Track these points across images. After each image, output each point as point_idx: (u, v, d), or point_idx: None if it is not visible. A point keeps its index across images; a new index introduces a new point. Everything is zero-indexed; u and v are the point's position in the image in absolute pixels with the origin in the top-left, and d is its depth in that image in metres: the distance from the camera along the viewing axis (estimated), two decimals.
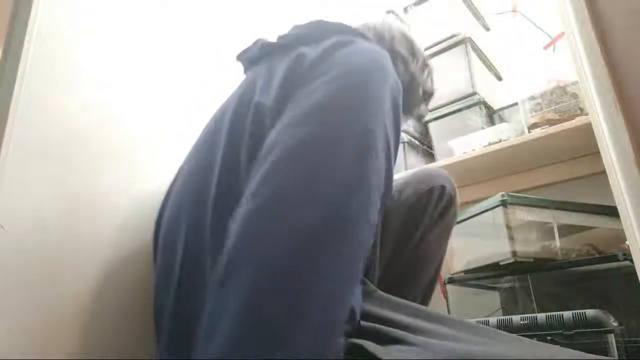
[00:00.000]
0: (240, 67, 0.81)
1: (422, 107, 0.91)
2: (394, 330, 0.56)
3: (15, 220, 0.59)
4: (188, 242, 0.57)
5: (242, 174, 0.54)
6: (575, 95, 1.22)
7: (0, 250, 0.57)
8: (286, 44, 0.68)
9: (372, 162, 0.49)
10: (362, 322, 0.57)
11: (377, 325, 0.57)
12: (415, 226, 0.84)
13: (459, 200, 0.88)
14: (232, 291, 0.41)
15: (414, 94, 0.83)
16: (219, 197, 0.56)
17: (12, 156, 0.60)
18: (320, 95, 0.53)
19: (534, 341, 0.56)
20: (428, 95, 0.86)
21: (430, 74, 0.88)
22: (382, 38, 0.85)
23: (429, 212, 0.83)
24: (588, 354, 0.51)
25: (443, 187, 0.84)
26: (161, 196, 0.82)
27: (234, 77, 1.09)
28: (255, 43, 0.74)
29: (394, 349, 0.51)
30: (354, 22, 0.88)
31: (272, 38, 0.73)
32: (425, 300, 0.89)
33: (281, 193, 0.45)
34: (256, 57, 0.72)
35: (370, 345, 0.51)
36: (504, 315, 1.20)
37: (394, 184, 0.84)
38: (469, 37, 1.46)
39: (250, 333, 0.39)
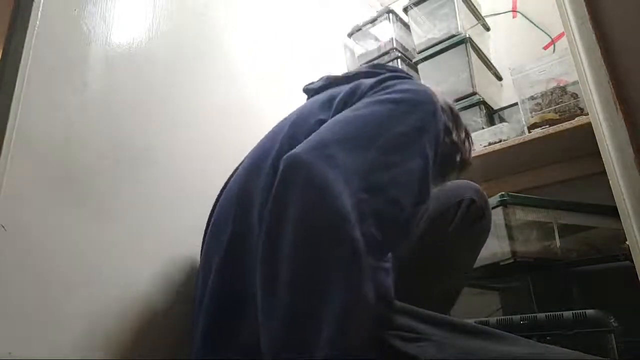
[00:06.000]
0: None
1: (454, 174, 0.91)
2: (408, 333, 0.58)
3: (15, 220, 0.59)
4: (235, 225, 0.63)
5: None
6: (575, 95, 1.22)
7: (0, 250, 0.57)
8: (349, 77, 0.77)
9: (400, 155, 0.56)
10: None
11: (393, 331, 0.58)
12: (442, 240, 0.84)
13: (490, 213, 0.88)
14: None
15: (452, 161, 0.83)
16: (265, 191, 0.62)
17: (12, 156, 0.60)
18: (373, 100, 0.62)
19: (540, 343, 0.57)
20: (465, 164, 0.86)
21: (470, 145, 0.88)
22: None
23: (457, 224, 0.83)
24: (592, 356, 0.51)
25: (472, 200, 0.84)
26: (163, 198, 0.82)
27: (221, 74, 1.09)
28: (320, 78, 0.84)
29: (412, 345, 0.55)
30: None
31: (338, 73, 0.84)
32: (446, 310, 0.90)
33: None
34: (321, 87, 0.80)
35: (393, 339, 0.55)
36: (504, 315, 1.20)
37: None
38: (469, 37, 1.46)
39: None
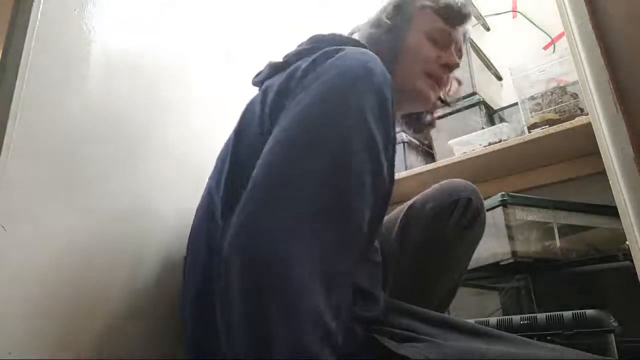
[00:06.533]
0: None
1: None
2: (404, 332, 0.59)
3: (15, 220, 0.59)
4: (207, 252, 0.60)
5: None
6: (575, 95, 1.22)
7: (0, 250, 0.57)
8: (287, 61, 0.69)
9: (348, 165, 0.50)
10: (374, 326, 0.60)
11: (387, 329, 0.59)
12: (439, 238, 0.84)
13: (485, 213, 0.88)
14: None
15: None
16: (225, 215, 0.58)
17: (12, 156, 0.60)
18: (303, 105, 0.55)
19: (539, 342, 0.57)
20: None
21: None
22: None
23: (453, 224, 0.84)
24: (592, 355, 0.52)
25: (469, 200, 0.84)
26: (159, 199, 0.82)
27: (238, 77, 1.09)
28: (266, 66, 0.75)
29: (406, 345, 0.55)
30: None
31: (279, 58, 0.74)
32: (442, 308, 0.90)
33: (259, 205, 0.48)
34: (265, 78, 0.72)
35: (386, 340, 0.54)
36: (504, 315, 1.20)
37: (419, 196, 0.89)
38: (469, 37, 1.45)
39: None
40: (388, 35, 0.82)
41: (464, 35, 0.88)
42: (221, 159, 0.68)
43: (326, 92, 0.56)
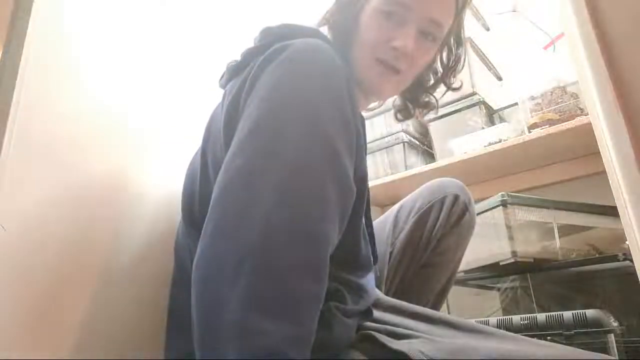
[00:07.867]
0: None
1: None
2: (400, 329, 0.59)
3: (16, 220, 0.59)
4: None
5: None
6: (575, 95, 1.22)
7: (0, 250, 0.57)
8: (241, 62, 0.62)
9: (305, 182, 0.46)
10: (368, 324, 0.59)
11: (382, 326, 0.59)
12: (428, 234, 0.85)
13: (474, 209, 0.89)
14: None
15: None
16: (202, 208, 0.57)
17: (12, 156, 0.60)
18: (247, 129, 0.50)
19: (534, 339, 0.57)
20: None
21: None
22: None
23: (442, 220, 0.84)
24: (590, 353, 0.52)
25: (456, 196, 0.85)
26: (162, 199, 0.82)
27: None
28: (226, 67, 0.68)
29: (401, 342, 0.55)
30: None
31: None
32: (436, 306, 0.90)
33: (215, 237, 0.46)
34: (227, 81, 0.65)
35: (381, 336, 0.54)
36: (504, 315, 1.20)
37: (408, 197, 0.90)
38: (469, 37, 1.46)
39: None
40: (343, 13, 0.70)
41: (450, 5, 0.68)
42: (190, 179, 0.66)
43: (270, 109, 0.50)
